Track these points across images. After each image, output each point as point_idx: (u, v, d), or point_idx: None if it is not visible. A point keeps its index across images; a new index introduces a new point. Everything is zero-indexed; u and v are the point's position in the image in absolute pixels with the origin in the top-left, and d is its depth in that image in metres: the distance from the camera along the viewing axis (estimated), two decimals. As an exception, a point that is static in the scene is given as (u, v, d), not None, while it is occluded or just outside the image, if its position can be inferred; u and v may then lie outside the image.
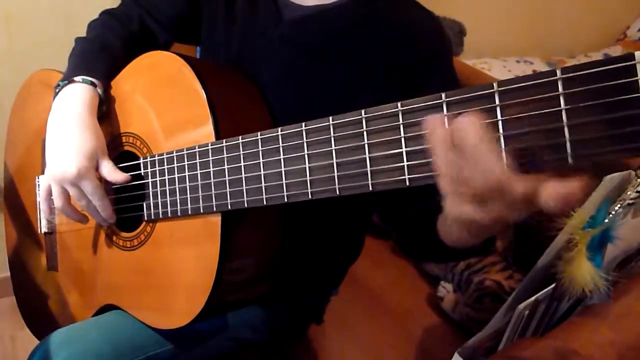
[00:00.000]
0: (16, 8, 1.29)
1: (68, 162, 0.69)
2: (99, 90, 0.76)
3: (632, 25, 2.42)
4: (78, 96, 0.74)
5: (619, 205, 0.59)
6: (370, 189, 0.46)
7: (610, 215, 0.58)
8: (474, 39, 1.96)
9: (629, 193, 0.59)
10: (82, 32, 1.37)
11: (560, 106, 0.36)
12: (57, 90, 0.76)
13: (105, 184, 0.78)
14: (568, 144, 0.36)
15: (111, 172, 0.72)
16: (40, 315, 0.95)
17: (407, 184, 0.44)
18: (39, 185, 0.91)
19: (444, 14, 1.90)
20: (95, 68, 0.77)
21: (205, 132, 0.63)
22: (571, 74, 0.35)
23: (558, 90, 0.36)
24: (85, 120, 0.72)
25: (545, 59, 2.21)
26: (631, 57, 0.33)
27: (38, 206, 0.91)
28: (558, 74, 0.36)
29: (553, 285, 0.63)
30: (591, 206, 0.55)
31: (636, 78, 0.33)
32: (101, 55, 0.79)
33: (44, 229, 0.89)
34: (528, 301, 0.62)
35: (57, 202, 0.73)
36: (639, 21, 2.41)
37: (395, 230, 0.77)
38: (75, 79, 0.75)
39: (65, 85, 0.75)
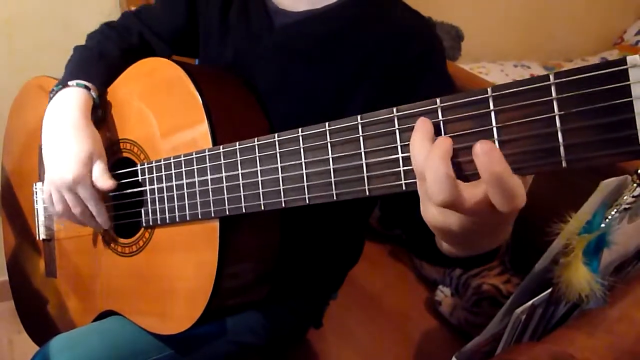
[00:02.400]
0: (16, 13, 1.29)
1: (64, 168, 0.70)
2: (93, 94, 0.76)
3: (629, 29, 2.43)
4: (71, 100, 0.74)
5: (615, 210, 0.59)
6: (367, 194, 0.46)
7: (607, 220, 0.58)
8: (471, 43, 1.97)
9: (625, 198, 0.60)
10: (81, 37, 1.37)
11: (553, 111, 0.36)
12: (51, 95, 0.76)
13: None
14: (562, 148, 0.36)
15: (99, 179, 0.71)
16: (38, 321, 0.95)
17: (404, 188, 0.44)
18: (36, 192, 0.91)
19: (442, 19, 1.91)
20: (90, 73, 0.78)
21: (202, 138, 0.64)
22: (564, 79, 0.36)
23: (551, 95, 0.36)
24: (79, 124, 0.72)
25: (543, 63, 2.21)
26: (623, 61, 0.33)
27: (36, 213, 0.91)
28: (551, 79, 0.36)
29: (550, 290, 0.63)
30: (587, 211, 0.56)
31: (628, 82, 0.33)
32: (98, 62, 0.80)
33: (42, 236, 0.89)
34: (525, 305, 0.63)
35: (57, 207, 0.73)
36: (636, 25, 2.42)
37: (404, 233, 0.77)
38: (69, 83, 0.76)
39: (60, 90, 0.76)
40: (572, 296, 0.55)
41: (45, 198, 0.76)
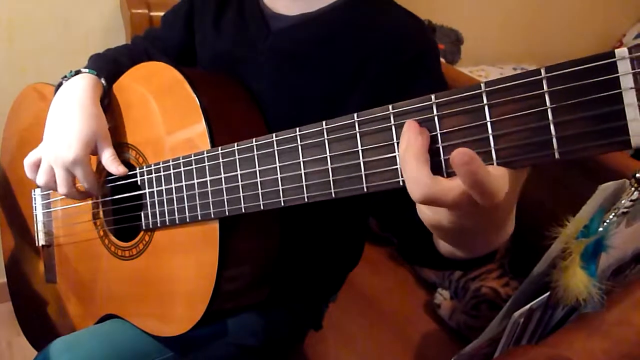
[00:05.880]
0: (16, 15, 1.30)
1: (66, 146, 0.70)
2: (103, 82, 0.78)
3: (628, 32, 2.43)
4: (81, 83, 0.75)
5: (613, 214, 0.59)
6: (365, 190, 0.46)
7: (605, 224, 0.58)
8: (471, 46, 1.97)
9: (623, 202, 0.60)
10: (82, 39, 1.39)
11: (545, 104, 0.37)
12: (63, 81, 0.78)
13: (102, 195, 0.79)
14: (554, 140, 0.37)
15: (109, 163, 0.72)
16: (38, 325, 0.95)
17: (401, 184, 0.44)
18: (35, 198, 0.91)
19: (441, 23, 1.91)
20: (101, 68, 0.80)
21: (201, 140, 0.64)
22: (555, 73, 0.36)
23: (543, 89, 0.37)
24: (86, 104, 0.73)
25: (542, 66, 2.22)
26: (612, 54, 0.34)
27: (35, 219, 0.91)
28: (542, 73, 0.37)
29: (548, 294, 0.63)
30: (585, 215, 0.56)
31: (617, 75, 0.34)
32: (111, 64, 0.82)
33: (41, 242, 0.89)
34: (523, 309, 0.63)
35: (41, 178, 0.74)
36: (635, 29, 2.43)
37: (396, 237, 0.77)
38: (82, 70, 0.78)
39: (72, 76, 0.77)
40: (570, 300, 0.55)
41: (29, 163, 0.75)
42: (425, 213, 0.43)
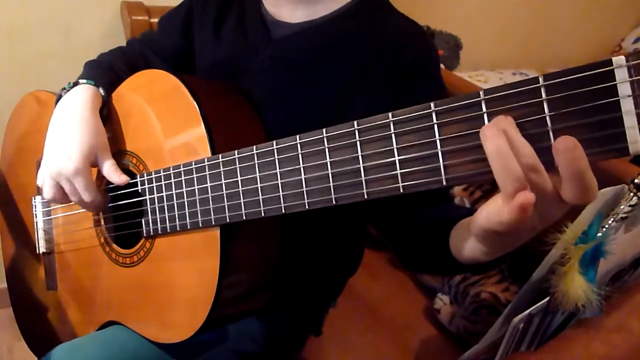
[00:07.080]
0: (17, 22, 1.30)
1: (66, 159, 0.71)
2: (101, 91, 0.78)
3: (627, 37, 2.44)
4: (80, 95, 0.76)
5: (612, 220, 0.60)
6: (366, 197, 0.47)
7: (603, 230, 0.59)
8: (470, 51, 1.98)
9: (621, 207, 0.60)
10: (82, 46, 1.39)
11: (544, 112, 0.37)
12: (62, 93, 0.78)
13: (103, 200, 0.79)
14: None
15: (111, 173, 0.73)
16: (39, 331, 0.95)
17: (401, 191, 0.45)
18: (35, 206, 0.91)
19: (440, 28, 1.92)
20: (99, 77, 0.80)
21: (201, 147, 0.64)
22: (553, 81, 0.37)
23: (541, 97, 0.37)
24: (84, 117, 0.74)
25: (541, 71, 2.22)
26: (609, 62, 0.34)
27: (35, 226, 0.91)
28: (541, 81, 0.37)
29: (547, 299, 0.64)
30: (584, 221, 0.56)
31: (615, 82, 0.34)
32: (108, 72, 0.82)
33: (42, 249, 0.89)
34: (523, 314, 0.63)
35: (48, 194, 0.74)
36: (634, 33, 2.43)
37: (394, 242, 0.78)
38: (80, 81, 0.78)
39: (71, 88, 0.78)
40: (569, 305, 0.56)
41: (38, 182, 0.76)
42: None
